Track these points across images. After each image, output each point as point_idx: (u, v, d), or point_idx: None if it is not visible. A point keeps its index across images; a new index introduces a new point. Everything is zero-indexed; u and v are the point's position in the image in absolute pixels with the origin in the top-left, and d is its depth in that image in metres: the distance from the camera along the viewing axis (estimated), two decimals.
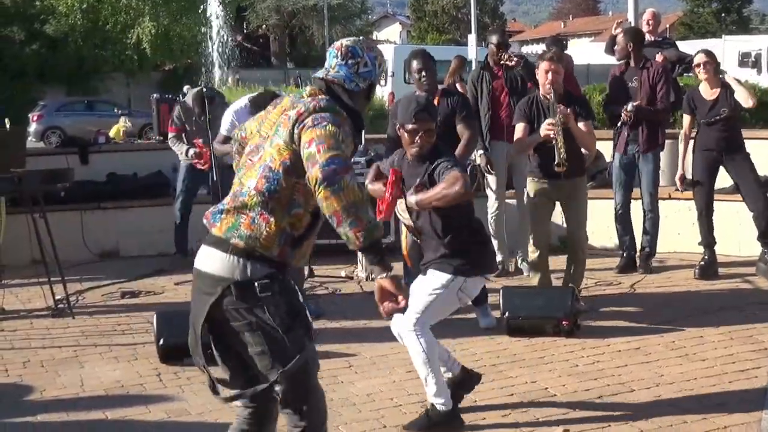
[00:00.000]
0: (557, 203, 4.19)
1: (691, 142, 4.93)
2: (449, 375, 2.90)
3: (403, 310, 2.06)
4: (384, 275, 1.81)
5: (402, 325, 2.73)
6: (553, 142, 3.78)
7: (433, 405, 2.73)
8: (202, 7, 5.45)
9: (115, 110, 14.67)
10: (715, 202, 4.85)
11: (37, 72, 19.39)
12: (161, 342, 3.57)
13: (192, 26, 17.43)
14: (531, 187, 4.07)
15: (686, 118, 4.88)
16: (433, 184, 2.78)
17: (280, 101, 2.06)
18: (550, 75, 3.89)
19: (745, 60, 17.32)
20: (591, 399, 3.09)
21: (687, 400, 3.09)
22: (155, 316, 3.71)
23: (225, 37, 5.65)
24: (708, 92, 4.72)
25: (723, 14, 35.72)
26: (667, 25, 28.37)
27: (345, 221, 1.67)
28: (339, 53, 2.02)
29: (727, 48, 17.73)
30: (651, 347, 3.71)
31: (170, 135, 5.33)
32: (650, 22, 5.77)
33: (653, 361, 3.54)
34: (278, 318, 1.84)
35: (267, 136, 1.98)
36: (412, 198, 2.79)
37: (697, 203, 4.86)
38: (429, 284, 2.81)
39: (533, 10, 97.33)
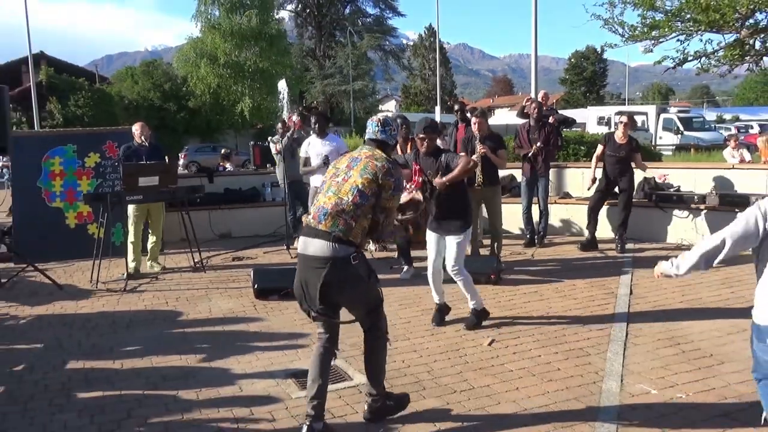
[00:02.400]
0: (482, 203, 5.99)
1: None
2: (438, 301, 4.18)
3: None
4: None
5: (453, 269, 3.99)
6: (477, 169, 5.48)
7: (475, 308, 4.13)
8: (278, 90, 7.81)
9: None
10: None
11: (184, 129, 29.49)
12: (255, 286, 5.05)
13: (273, 102, 25.36)
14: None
15: (600, 147, 6.56)
16: (445, 169, 3.91)
17: (349, 153, 2.90)
18: (476, 124, 5.70)
19: (600, 121, 24.56)
20: (507, 322, 4.33)
21: (565, 321, 4.31)
22: (252, 271, 5.29)
23: (291, 108, 7.81)
24: (620, 138, 6.42)
25: (587, 93, 54.93)
26: (554, 100, 40.57)
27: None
28: (379, 123, 2.85)
29: (590, 114, 26.59)
30: (543, 291, 5.12)
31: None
32: (544, 98, 8.13)
33: (545, 299, 4.89)
34: (364, 274, 2.61)
35: (349, 167, 2.68)
36: (443, 179, 3.90)
37: (590, 201, 6.60)
38: (457, 240, 3.97)
39: (474, 92, 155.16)
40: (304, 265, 2.64)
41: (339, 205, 2.59)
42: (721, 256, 2.25)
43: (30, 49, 20.72)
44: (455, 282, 4.18)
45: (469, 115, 6.45)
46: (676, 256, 2.38)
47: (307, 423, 2.72)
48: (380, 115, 3.05)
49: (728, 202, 6.50)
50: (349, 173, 2.67)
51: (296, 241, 2.75)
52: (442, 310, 4.34)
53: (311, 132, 6.45)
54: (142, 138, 6.20)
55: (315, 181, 6.01)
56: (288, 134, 7.01)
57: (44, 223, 6.93)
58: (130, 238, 6.14)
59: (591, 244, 6.64)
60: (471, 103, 59.67)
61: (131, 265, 6.07)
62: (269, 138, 7.90)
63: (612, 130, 6.99)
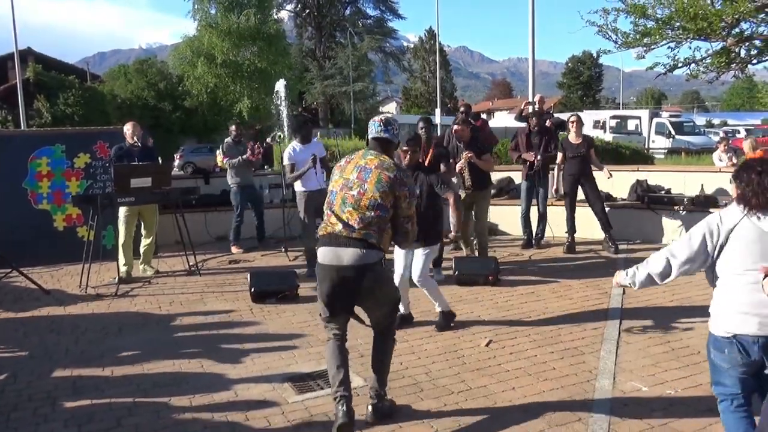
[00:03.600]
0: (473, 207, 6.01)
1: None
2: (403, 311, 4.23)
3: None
4: None
5: (419, 280, 4.12)
6: (464, 173, 5.61)
7: (442, 311, 4.21)
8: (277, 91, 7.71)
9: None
10: (578, 207, 6.80)
11: (179, 129, 29.17)
12: (252, 289, 5.00)
13: (271, 102, 24.50)
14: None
15: (560, 155, 6.74)
16: (429, 188, 4.19)
17: (351, 157, 2.84)
18: (457, 132, 5.82)
19: (596, 124, 25.19)
20: (505, 322, 4.37)
21: (561, 321, 4.35)
22: (249, 274, 5.22)
23: (290, 110, 7.75)
24: (575, 139, 6.65)
25: (584, 97, 56.39)
26: (551, 104, 40.86)
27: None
28: (381, 123, 2.86)
29: (586, 117, 25.09)
30: (540, 292, 5.17)
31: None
32: (540, 101, 8.49)
33: (542, 299, 4.94)
34: (389, 275, 2.88)
35: (361, 179, 2.70)
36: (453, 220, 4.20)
37: (566, 207, 6.76)
38: (425, 252, 4.14)
39: (474, 94, 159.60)
40: (338, 274, 2.68)
41: (364, 220, 2.66)
42: (671, 279, 2.35)
43: (16, 44, 20.44)
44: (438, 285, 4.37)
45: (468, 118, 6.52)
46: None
47: (342, 402, 2.73)
48: (382, 115, 3.01)
49: (715, 203, 6.80)
50: (364, 186, 2.70)
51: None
52: (407, 319, 4.39)
53: (295, 138, 6.36)
54: (134, 138, 6.08)
55: (300, 185, 5.89)
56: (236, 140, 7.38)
57: (30, 225, 6.77)
58: (121, 240, 6.02)
59: (572, 246, 6.76)
60: (472, 106, 61.03)
61: (123, 268, 5.95)
62: (267, 138, 7.90)
63: (565, 134, 7.12)
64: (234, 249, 7.32)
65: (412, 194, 2.80)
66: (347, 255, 2.65)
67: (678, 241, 2.33)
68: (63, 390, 3.43)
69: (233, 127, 7.72)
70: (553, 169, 7.27)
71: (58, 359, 3.93)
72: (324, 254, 2.72)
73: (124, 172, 5.73)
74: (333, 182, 2.83)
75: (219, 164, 7.39)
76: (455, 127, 5.89)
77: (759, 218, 2.16)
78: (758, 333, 2.14)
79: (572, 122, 6.80)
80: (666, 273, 2.33)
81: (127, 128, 6.16)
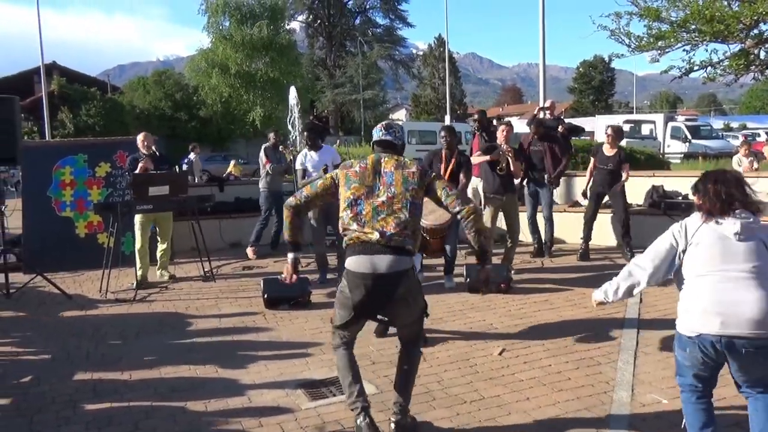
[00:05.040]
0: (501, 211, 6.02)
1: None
2: None
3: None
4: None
5: None
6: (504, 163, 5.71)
7: None
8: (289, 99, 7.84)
9: (239, 160, 19.83)
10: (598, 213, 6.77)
11: (195, 138, 29.20)
12: (265, 296, 5.01)
13: (283, 111, 25.18)
14: (488, 202, 5.98)
15: (592, 160, 6.69)
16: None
17: (364, 162, 2.74)
18: (504, 132, 5.88)
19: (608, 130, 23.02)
20: (517, 330, 4.34)
21: (576, 330, 4.29)
22: (262, 280, 5.22)
23: (302, 118, 7.86)
24: (608, 150, 6.55)
25: (596, 102, 55.15)
26: (563, 109, 40.95)
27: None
28: (383, 127, 2.89)
29: (599, 123, 25.34)
30: (554, 300, 5.11)
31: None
32: (551, 107, 8.37)
33: (555, 308, 4.88)
34: (420, 282, 2.81)
35: (385, 184, 2.66)
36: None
37: (585, 214, 6.70)
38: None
39: (483, 100, 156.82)
40: (373, 282, 2.62)
41: (400, 224, 2.64)
42: (641, 288, 2.53)
43: (42, 59, 21.06)
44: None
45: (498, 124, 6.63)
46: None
47: (363, 414, 2.71)
48: (383, 122, 3.03)
49: None
50: (391, 189, 2.69)
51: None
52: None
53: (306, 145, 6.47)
54: (146, 146, 6.25)
55: None
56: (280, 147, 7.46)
57: (54, 232, 6.97)
58: (137, 246, 6.16)
59: (585, 253, 6.70)
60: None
61: (139, 273, 6.09)
62: (280, 147, 7.97)
63: (601, 141, 7.06)
64: (250, 250, 7.38)
65: (439, 176, 2.82)
66: (384, 262, 2.60)
67: (643, 253, 2.51)
68: (84, 393, 3.50)
69: (272, 134, 7.86)
70: (565, 174, 7.24)
71: (79, 363, 4.02)
72: (357, 262, 2.64)
73: (142, 180, 5.85)
74: (352, 189, 2.71)
75: (265, 168, 7.45)
76: (501, 127, 6.04)
77: (718, 222, 2.35)
78: (720, 332, 2.26)
79: (607, 135, 6.61)
80: (636, 283, 2.51)
81: (139, 138, 6.34)
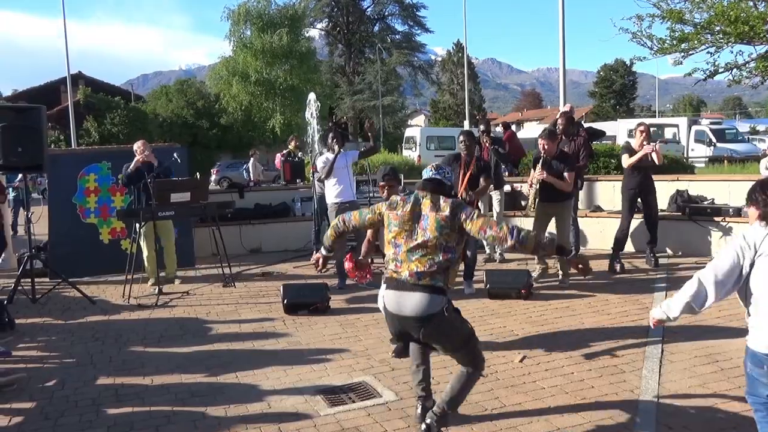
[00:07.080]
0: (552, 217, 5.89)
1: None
2: None
3: None
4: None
5: None
6: (531, 190, 5.65)
7: None
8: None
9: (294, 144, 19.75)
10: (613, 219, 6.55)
11: (216, 145, 30.69)
12: (285, 301, 5.06)
13: (303, 118, 23.99)
14: (538, 207, 5.80)
15: (624, 158, 6.35)
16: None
17: (406, 205, 2.82)
18: (545, 146, 5.72)
19: (630, 134, 23.02)
20: (539, 337, 4.27)
21: (599, 337, 4.22)
22: (282, 286, 5.30)
23: (321, 124, 7.93)
24: (638, 148, 6.23)
25: (617, 106, 54.54)
26: (584, 113, 41.26)
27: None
28: (432, 168, 3.00)
29: (620, 126, 25.59)
30: (576, 306, 5.03)
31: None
32: (570, 111, 7.85)
33: (577, 314, 4.81)
34: (455, 320, 2.79)
35: (422, 227, 2.75)
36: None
37: (622, 219, 6.44)
38: None
39: (503, 105, 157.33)
40: (399, 322, 2.78)
41: (433, 265, 2.73)
42: (709, 304, 2.31)
43: (68, 69, 21.66)
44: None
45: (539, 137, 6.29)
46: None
47: (420, 403, 3.01)
48: (434, 163, 3.16)
49: None
50: (427, 234, 2.76)
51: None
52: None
53: (328, 147, 6.52)
54: (142, 152, 6.26)
55: (333, 197, 6.18)
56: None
57: (79, 239, 7.10)
58: (144, 253, 6.30)
59: (613, 264, 6.34)
60: (500, 117, 60.66)
61: (151, 280, 6.26)
62: (299, 153, 8.03)
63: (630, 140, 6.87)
64: (315, 255, 7.44)
65: (469, 212, 2.80)
66: (410, 303, 2.71)
67: (709, 265, 2.34)
68: (106, 397, 3.55)
69: (293, 141, 7.87)
70: (587, 179, 7.11)
71: (102, 367, 4.08)
72: (387, 299, 2.80)
73: (164, 187, 5.93)
74: (393, 232, 2.85)
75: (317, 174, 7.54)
76: (540, 141, 5.81)
77: None
78: None
79: (640, 132, 6.24)
80: (703, 299, 2.32)
81: (137, 146, 6.39)
